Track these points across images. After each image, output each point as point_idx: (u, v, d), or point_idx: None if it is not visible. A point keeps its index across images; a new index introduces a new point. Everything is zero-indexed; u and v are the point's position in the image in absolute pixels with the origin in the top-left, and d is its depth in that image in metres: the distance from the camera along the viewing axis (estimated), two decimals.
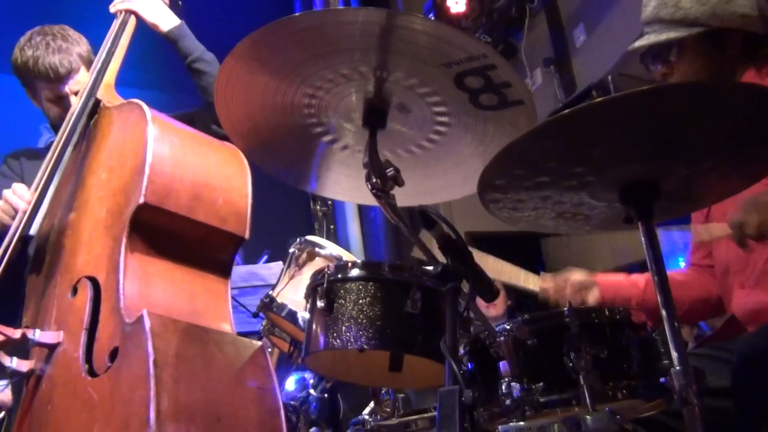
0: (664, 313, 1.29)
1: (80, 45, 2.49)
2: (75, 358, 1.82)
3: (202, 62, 2.46)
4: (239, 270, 3.41)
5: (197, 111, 2.52)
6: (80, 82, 2.44)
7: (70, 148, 2.20)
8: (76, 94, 2.43)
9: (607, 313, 1.45)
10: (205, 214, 2.00)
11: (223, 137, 2.30)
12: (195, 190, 2.00)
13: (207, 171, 2.07)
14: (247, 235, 2.07)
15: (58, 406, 1.82)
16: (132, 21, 2.46)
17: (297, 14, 1.39)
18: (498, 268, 2.31)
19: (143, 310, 1.73)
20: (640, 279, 2.29)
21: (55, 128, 2.52)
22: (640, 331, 1.43)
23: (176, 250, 1.99)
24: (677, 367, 1.24)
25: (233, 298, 3.21)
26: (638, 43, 2.12)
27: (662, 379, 1.33)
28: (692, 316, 2.46)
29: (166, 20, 2.47)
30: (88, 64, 2.48)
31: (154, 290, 1.90)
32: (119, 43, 2.40)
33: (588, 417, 1.28)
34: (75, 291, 1.95)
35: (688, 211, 1.71)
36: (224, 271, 2.07)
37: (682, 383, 1.23)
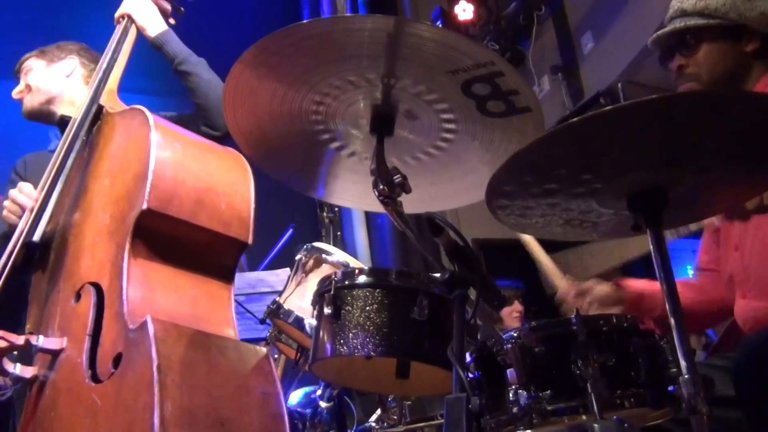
0: (672, 321, 1.28)
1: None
2: (78, 364, 1.82)
3: (188, 64, 2.47)
4: (247, 276, 3.42)
5: (188, 114, 2.54)
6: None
7: (73, 154, 2.21)
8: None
9: (614, 320, 1.44)
10: (208, 219, 2.00)
11: (214, 139, 2.32)
12: (198, 196, 2.00)
13: (210, 176, 2.07)
14: (250, 241, 2.07)
15: (62, 413, 1.82)
16: (134, 29, 2.50)
17: (305, 21, 1.40)
18: (537, 250, 2.27)
19: (147, 316, 1.73)
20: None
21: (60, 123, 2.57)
22: (648, 339, 1.42)
23: (179, 256, 1.99)
24: (686, 376, 1.24)
25: (240, 304, 3.21)
26: (659, 32, 2.16)
27: (670, 388, 1.33)
28: (710, 319, 2.42)
29: (155, 25, 2.50)
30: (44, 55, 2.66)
31: (157, 296, 1.90)
32: (121, 50, 2.43)
33: (596, 425, 1.27)
34: (78, 297, 1.94)
35: (696, 219, 1.70)
36: (227, 277, 2.07)
37: (690, 392, 1.23)
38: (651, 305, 2.14)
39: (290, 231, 3.87)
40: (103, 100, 2.30)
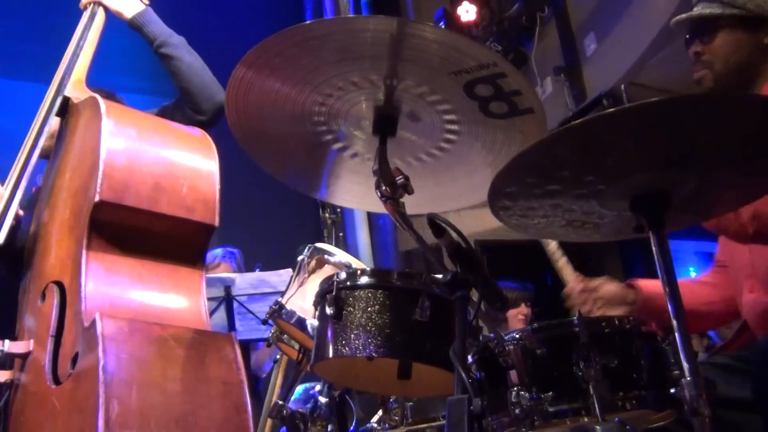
0: (674, 323, 1.28)
1: None
2: (42, 366, 1.78)
3: (168, 46, 2.40)
4: (249, 277, 3.42)
5: (171, 103, 2.49)
6: None
7: (37, 151, 2.14)
8: None
9: (616, 322, 1.44)
10: (169, 205, 1.93)
11: (200, 123, 2.27)
12: (156, 182, 1.92)
13: (169, 160, 1.99)
14: (216, 223, 1.99)
15: (29, 416, 1.78)
16: (101, 14, 2.41)
17: (308, 22, 1.40)
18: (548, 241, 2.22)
19: (96, 314, 1.68)
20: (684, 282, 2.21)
21: None
22: (650, 341, 1.42)
23: (142, 245, 1.92)
24: (688, 378, 1.24)
25: (242, 304, 3.21)
26: (679, 17, 2.17)
27: (672, 390, 1.33)
28: (725, 318, 2.38)
29: (130, 6, 2.42)
30: None
31: (117, 290, 1.84)
32: (87, 38, 2.35)
33: (597, 427, 1.27)
34: (44, 297, 1.90)
35: (699, 221, 1.70)
36: (196, 262, 2.00)
37: (692, 394, 1.22)
38: (663, 309, 2.08)
39: (257, 271, 3.87)
40: (68, 92, 2.22)
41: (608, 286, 2.16)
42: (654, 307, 2.08)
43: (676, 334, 1.28)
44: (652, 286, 2.16)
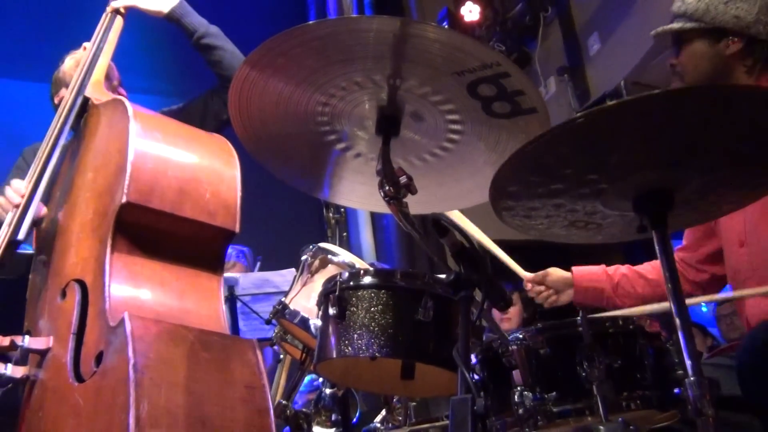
0: (678, 321, 1.28)
1: None
2: (63, 364, 1.79)
3: (209, 37, 2.45)
4: (252, 276, 3.42)
5: (202, 96, 2.52)
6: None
7: (57, 150, 2.16)
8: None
9: (620, 322, 1.44)
10: (192, 209, 1.96)
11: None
12: (180, 186, 1.95)
13: (193, 165, 2.02)
14: (237, 229, 2.02)
15: (48, 413, 1.79)
16: (119, 20, 2.43)
17: (311, 22, 1.40)
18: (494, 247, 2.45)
19: (125, 313, 1.69)
20: (618, 270, 2.43)
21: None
22: (654, 341, 1.42)
23: (164, 249, 1.94)
24: (691, 378, 1.23)
25: (246, 304, 3.22)
26: (653, 32, 2.30)
27: (676, 390, 1.32)
28: None
29: (165, 2, 2.45)
30: None
31: (141, 291, 1.87)
32: (107, 40, 2.38)
33: (601, 427, 1.27)
34: (64, 294, 1.91)
35: (702, 221, 1.70)
36: (215, 267, 2.03)
37: (696, 394, 1.22)
38: (596, 294, 2.40)
39: (258, 264, 3.91)
40: (88, 92, 2.25)
41: (555, 274, 2.44)
42: (588, 294, 2.41)
43: (680, 334, 1.28)
44: (587, 273, 2.45)
